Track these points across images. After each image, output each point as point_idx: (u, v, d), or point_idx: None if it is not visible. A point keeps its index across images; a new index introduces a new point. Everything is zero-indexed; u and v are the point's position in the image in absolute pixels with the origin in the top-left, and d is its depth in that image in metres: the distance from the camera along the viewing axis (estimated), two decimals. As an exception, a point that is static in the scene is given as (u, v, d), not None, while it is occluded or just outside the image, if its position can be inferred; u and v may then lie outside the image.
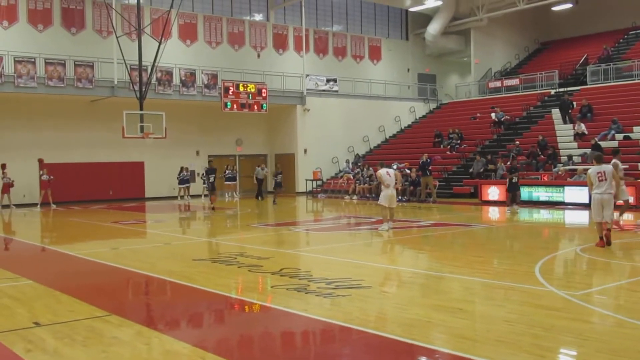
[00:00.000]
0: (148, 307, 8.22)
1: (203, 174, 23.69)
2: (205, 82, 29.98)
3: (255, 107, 30.58)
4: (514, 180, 21.43)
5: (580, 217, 18.83)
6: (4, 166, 25.63)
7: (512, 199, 21.43)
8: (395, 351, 5.79)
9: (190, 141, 31.86)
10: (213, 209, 22.66)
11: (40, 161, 26.56)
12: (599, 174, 11.75)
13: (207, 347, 5.93)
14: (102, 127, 28.79)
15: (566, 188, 21.89)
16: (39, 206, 26.01)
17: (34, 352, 5.87)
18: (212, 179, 22.85)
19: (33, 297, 8.47)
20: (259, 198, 29.21)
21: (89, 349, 5.97)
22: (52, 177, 25.97)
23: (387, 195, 15.48)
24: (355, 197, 28.29)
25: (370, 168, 29.53)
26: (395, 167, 29.09)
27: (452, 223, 17.51)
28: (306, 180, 32.61)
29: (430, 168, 25.68)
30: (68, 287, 9.10)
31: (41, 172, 26.18)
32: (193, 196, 30.23)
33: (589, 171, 12.05)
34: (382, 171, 15.89)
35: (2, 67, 24.95)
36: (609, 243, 11.77)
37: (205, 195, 30.26)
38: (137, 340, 6.32)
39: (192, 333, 6.75)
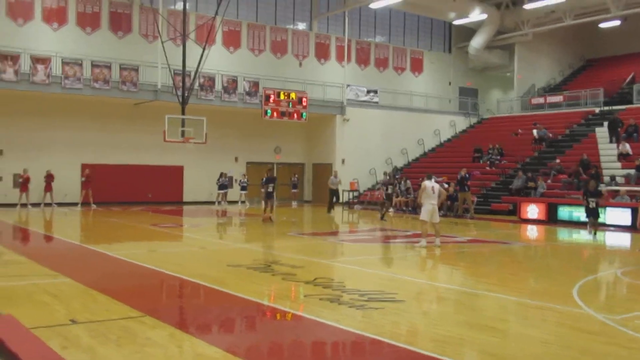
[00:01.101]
0: (181, 310, 8.31)
1: (262, 182, 22.19)
2: (247, 89, 30.29)
3: (295, 115, 30.75)
4: (591, 206, 18.31)
5: (622, 239, 18.42)
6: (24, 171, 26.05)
7: (593, 223, 18.65)
8: (427, 367, 5.74)
9: (229, 147, 32.18)
10: (270, 219, 21.30)
11: (83, 167, 27.23)
12: None
13: (238, 353, 5.96)
14: (144, 130, 29.28)
15: (608, 209, 21.44)
16: (79, 205, 26.56)
17: (69, 349, 5.98)
18: (270, 189, 21.66)
19: (70, 295, 8.64)
20: (330, 211, 26.41)
21: (123, 349, 6.06)
22: (87, 170, 26.67)
23: (429, 210, 14.95)
24: (392, 210, 28.16)
25: (408, 181, 29.38)
26: (433, 180, 28.91)
27: (489, 240, 17.30)
28: (343, 191, 32.59)
29: (468, 183, 25.47)
30: (105, 286, 9.26)
31: (85, 173, 26.80)
32: (230, 202, 30.49)
33: None
34: (427, 183, 15.30)
35: (50, 69, 25.61)
36: None
37: (242, 202, 30.52)
38: (170, 343, 6.39)
39: (224, 338, 6.80)
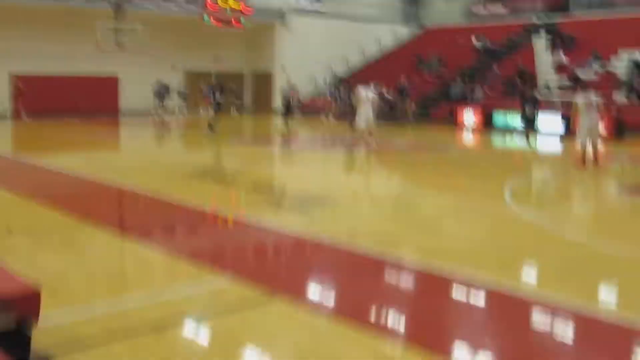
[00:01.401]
0: (122, 217, 8.28)
1: (210, 90, 20.92)
2: (184, -5, 29.11)
3: (235, 23, 29.91)
4: (527, 113, 17.75)
5: (553, 146, 19.08)
6: None
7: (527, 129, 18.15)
8: (366, 265, 5.95)
9: (167, 56, 31.19)
10: (211, 127, 19.90)
11: (13, 77, 26.02)
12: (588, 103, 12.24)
13: (180, 255, 6.03)
14: (76, 40, 27.98)
15: (541, 116, 22.00)
16: (8, 117, 25.60)
17: (6, 258, 5.92)
18: (217, 98, 20.53)
19: (5, 206, 8.47)
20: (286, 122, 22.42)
21: (63, 256, 6.05)
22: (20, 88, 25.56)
23: (363, 117, 15.24)
24: (331, 116, 28.21)
25: (349, 89, 29.34)
26: (372, 88, 28.97)
27: (427, 146, 17.64)
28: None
29: (408, 92, 25.63)
30: (41, 196, 9.10)
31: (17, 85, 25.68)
32: (168, 113, 29.92)
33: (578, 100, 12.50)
34: (362, 91, 15.69)
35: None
36: (596, 161, 12.32)
37: (180, 112, 29.96)
38: (112, 248, 6.41)
39: (166, 242, 6.85)
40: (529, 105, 17.64)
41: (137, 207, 9.00)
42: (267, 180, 11.25)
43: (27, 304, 3.52)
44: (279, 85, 32.23)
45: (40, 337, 3.75)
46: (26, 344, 3.47)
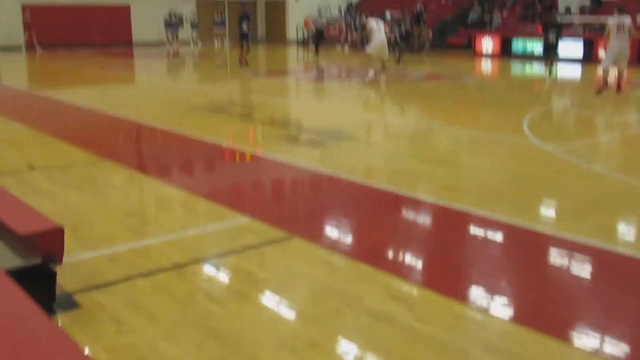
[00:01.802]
0: (140, 154, 8.32)
1: (238, 21, 19.17)
2: None
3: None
4: (550, 40, 16.42)
5: (574, 72, 18.71)
6: None
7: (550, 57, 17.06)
8: (382, 201, 5.97)
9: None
10: (246, 62, 19.05)
11: (24, 8, 25.68)
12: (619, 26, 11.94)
13: (199, 192, 6.08)
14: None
15: (561, 41, 21.48)
16: (23, 49, 25.46)
17: (28, 195, 6.00)
18: (245, 28, 18.93)
19: (25, 142, 8.52)
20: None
21: (83, 193, 6.11)
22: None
23: (378, 45, 14.93)
24: (347, 47, 27.77)
25: (364, 16, 28.71)
26: (388, 16, 28.34)
27: (444, 75, 17.38)
28: (297, 28, 31.80)
29: (424, 18, 25.03)
30: (59, 132, 9.13)
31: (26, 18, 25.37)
32: (182, 42, 29.57)
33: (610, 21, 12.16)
34: (372, 23, 15.21)
35: None
36: (619, 88, 12.09)
37: (194, 42, 29.61)
38: (131, 185, 6.46)
39: (184, 179, 6.89)
40: (552, 31, 16.31)
41: (155, 142, 9.02)
42: (284, 115, 11.19)
43: (51, 241, 3.60)
44: (291, 13, 31.66)
45: (65, 273, 3.84)
46: (52, 279, 3.56)
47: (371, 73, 14.82)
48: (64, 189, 6.25)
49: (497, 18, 25.30)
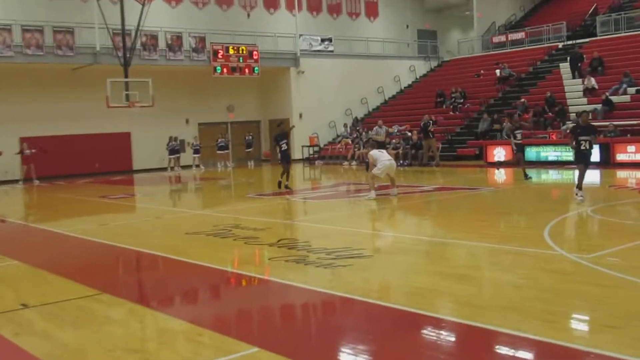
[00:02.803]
0: (140, 284, 8.26)
1: (274, 141, 18.52)
2: (193, 46, 29.74)
3: (247, 70, 30.45)
4: (582, 148, 13.36)
5: (591, 176, 18.85)
6: None
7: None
8: (400, 321, 5.83)
9: (179, 109, 31.67)
10: (286, 186, 18.07)
11: (22, 141, 26.48)
12: None
13: (205, 324, 5.96)
14: (86, 97, 28.57)
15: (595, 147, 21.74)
16: (20, 182, 25.96)
17: (22, 336, 5.89)
18: (284, 147, 18.09)
19: (19, 278, 8.50)
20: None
21: (81, 330, 6.00)
22: (34, 150, 25.81)
23: (386, 166, 15.11)
24: (354, 162, 28.28)
25: (370, 131, 29.46)
26: (396, 129, 29.07)
27: (457, 187, 17.53)
28: (302, 146, 32.59)
29: (432, 130, 25.62)
30: (55, 266, 9.13)
31: (22, 147, 26.05)
32: (184, 167, 30.20)
33: None
34: (374, 152, 15.63)
35: (-24, 36, 24.69)
36: None
37: (197, 166, 30.23)
38: (131, 319, 6.35)
39: (187, 310, 6.79)
40: (588, 136, 13.45)
41: (156, 271, 8.98)
42: (292, 235, 11.20)
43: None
44: (297, 131, 32.40)
45: None
46: None
47: (372, 194, 14.98)
48: (59, 327, 6.15)
49: (507, 127, 25.81)
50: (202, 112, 32.63)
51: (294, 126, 19.24)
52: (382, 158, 15.22)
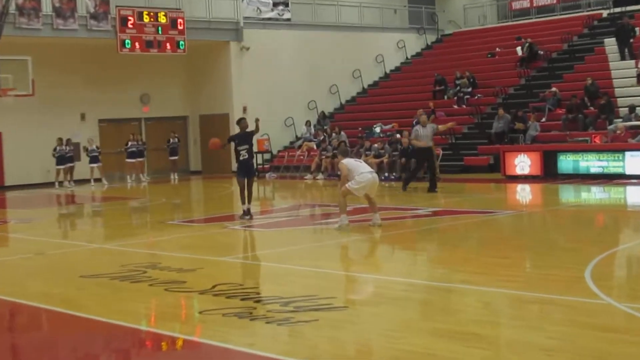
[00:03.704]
0: (16, 350, 8.14)
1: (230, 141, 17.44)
2: (92, 11, 29.49)
3: (168, 46, 30.35)
4: None
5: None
6: None
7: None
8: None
9: (71, 100, 31.39)
10: (245, 212, 17.25)
11: None
12: None
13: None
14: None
15: (628, 154, 22.12)
16: None
17: None
18: (244, 155, 17.13)
19: None
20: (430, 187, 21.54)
21: None
22: None
23: (367, 180, 14.76)
24: (321, 175, 28.31)
25: (342, 132, 29.56)
26: (378, 129, 29.26)
27: (464, 210, 17.64)
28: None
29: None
30: None
31: None
32: (78, 181, 29.89)
33: None
34: (348, 162, 15.21)
35: None
36: None
37: (96, 180, 29.94)
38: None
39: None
40: None
41: (38, 332, 8.85)
42: (232, 278, 11.15)
43: None
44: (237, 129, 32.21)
45: None
46: None
47: (344, 219, 14.80)
48: None
49: (533, 126, 26.10)
50: (104, 104, 32.35)
51: (258, 120, 17.93)
52: (361, 169, 14.92)
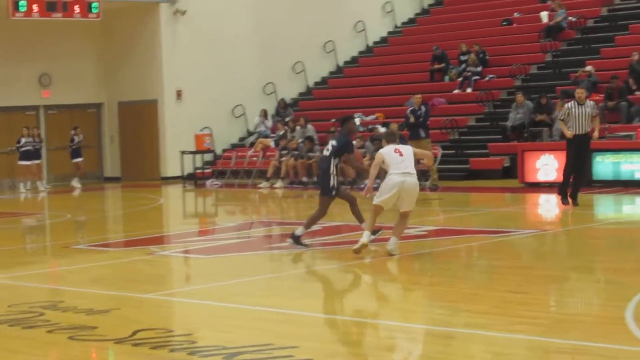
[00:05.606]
0: None
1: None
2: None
3: (77, 9, 30.24)
4: None
5: None
6: None
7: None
8: None
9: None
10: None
11: None
12: None
13: None
14: None
15: None
16: None
17: None
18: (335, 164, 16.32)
19: None
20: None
21: None
22: None
23: (396, 188, 14.30)
24: (280, 182, 28.32)
25: (309, 125, 29.55)
26: (357, 121, 29.30)
27: (470, 229, 17.71)
28: (182, 153, 32.30)
29: (426, 126, 25.81)
30: None
31: None
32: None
33: None
34: (388, 152, 14.51)
35: None
36: None
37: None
38: None
39: None
40: None
41: None
42: (160, 322, 11.14)
43: None
44: (170, 124, 32.41)
45: None
46: None
47: (366, 235, 14.25)
48: None
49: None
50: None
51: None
52: (394, 168, 13.87)
